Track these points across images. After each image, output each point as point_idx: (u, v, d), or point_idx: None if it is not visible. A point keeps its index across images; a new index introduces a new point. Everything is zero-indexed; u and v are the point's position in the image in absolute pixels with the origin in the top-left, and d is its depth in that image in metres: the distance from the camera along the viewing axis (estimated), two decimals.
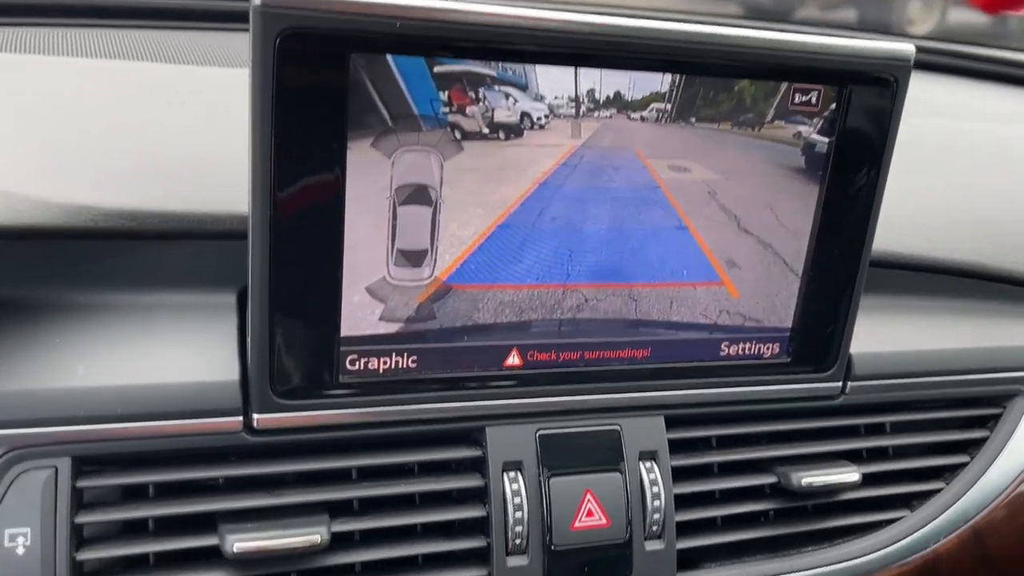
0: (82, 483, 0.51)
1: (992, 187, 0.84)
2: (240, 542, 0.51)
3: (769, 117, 0.56)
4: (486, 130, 0.51)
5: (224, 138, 0.58)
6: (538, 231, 0.54)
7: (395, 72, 0.48)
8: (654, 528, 0.60)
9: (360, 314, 0.53)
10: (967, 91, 1.19)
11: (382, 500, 0.57)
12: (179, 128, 0.61)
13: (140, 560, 0.52)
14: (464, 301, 0.55)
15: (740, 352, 0.62)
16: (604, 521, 0.59)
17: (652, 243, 0.57)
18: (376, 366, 0.54)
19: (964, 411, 0.75)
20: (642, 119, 0.54)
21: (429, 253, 0.53)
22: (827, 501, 0.68)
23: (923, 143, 0.85)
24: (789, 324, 0.63)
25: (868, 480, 0.68)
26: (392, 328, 0.54)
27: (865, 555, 0.68)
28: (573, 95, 0.52)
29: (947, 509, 0.71)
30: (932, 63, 1.23)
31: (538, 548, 0.58)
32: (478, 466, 0.58)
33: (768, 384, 0.64)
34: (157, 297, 0.55)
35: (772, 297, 0.61)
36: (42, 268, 0.54)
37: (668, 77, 0.53)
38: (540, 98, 0.52)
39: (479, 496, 0.58)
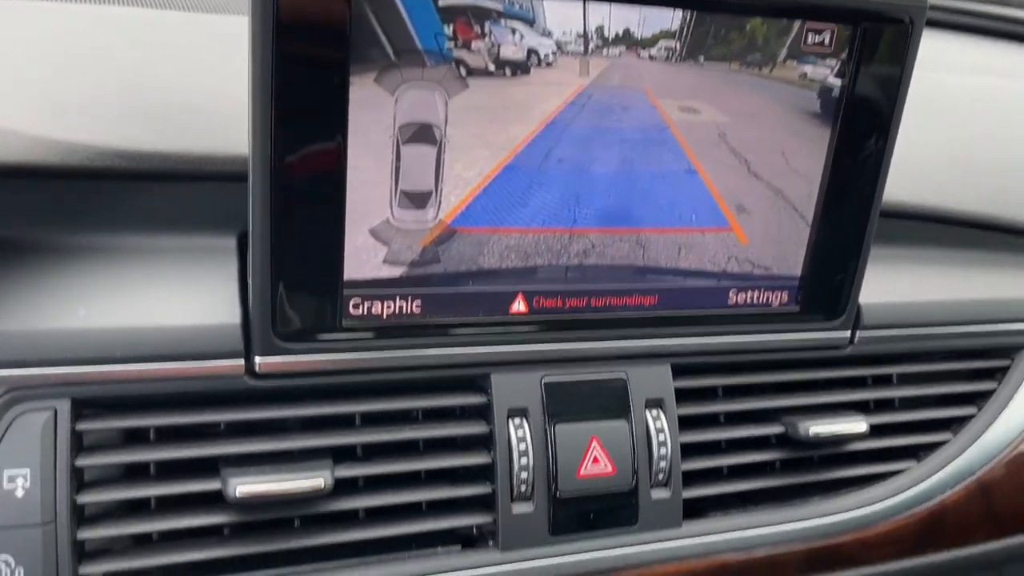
0: (82, 426, 0.50)
1: (1001, 140, 0.83)
2: (243, 486, 0.51)
3: (781, 57, 0.55)
4: (492, 67, 0.50)
5: (225, 80, 0.57)
6: (545, 173, 0.53)
7: (398, 4, 0.47)
8: (660, 476, 0.60)
9: (363, 257, 0.52)
10: (977, 48, 1.17)
11: (386, 446, 0.56)
12: (178, 69, 0.59)
13: (141, 504, 0.52)
14: (469, 245, 0.54)
15: (748, 300, 0.61)
16: (610, 469, 0.58)
17: (661, 187, 0.56)
18: (379, 310, 0.53)
19: (972, 363, 0.74)
20: (651, 58, 0.52)
21: (433, 195, 0.52)
22: (834, 451, 0.68)
23: (931, 96, 0.83)
24: (798, 272, 0.62)
25: (875, 431, 0.68)
26: (396, 272, 0.53)
27: (871, 505, 0.68)
28: (581, 31, 0.51)
29: (953, 460, 0.71)
30: (943, 20, 1.21)
31: (543, 495, 0.57)
32: (483, 413, 0.57)
33: (776, 333, 0.63)
34: (158, 239, 0.55)
35: (781, 244, 0.60)
36: (42, 210, 0.53)
37: (679, 14, 0.52)
38: (547, 34, 0.50)
39: (484, 443, 0.57)
